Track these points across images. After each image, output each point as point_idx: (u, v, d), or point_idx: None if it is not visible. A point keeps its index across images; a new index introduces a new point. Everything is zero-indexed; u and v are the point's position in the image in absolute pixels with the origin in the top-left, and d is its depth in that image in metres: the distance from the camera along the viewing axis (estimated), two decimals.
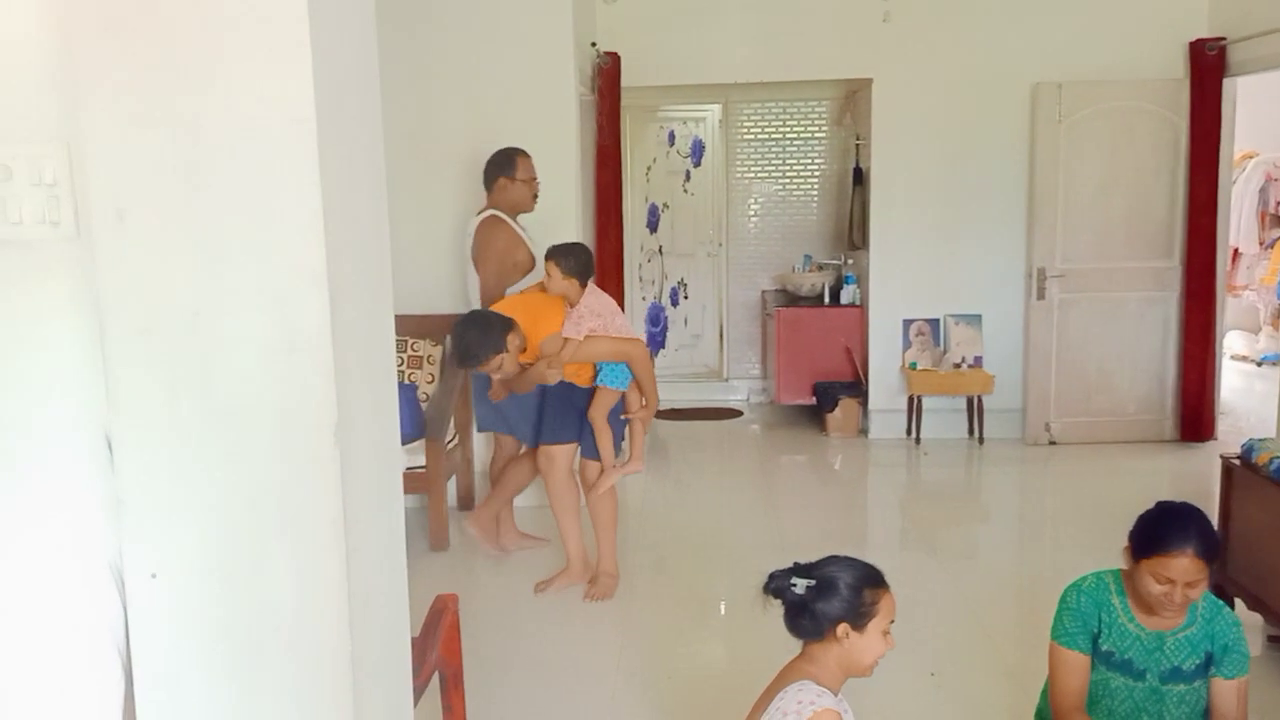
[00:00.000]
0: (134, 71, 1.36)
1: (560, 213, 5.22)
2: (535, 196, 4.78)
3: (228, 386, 1.39)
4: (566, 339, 3.98)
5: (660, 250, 7.84)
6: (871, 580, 2.15)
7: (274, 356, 1.40)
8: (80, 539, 1.49)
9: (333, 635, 1.43)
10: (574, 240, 4.43)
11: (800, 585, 2.10)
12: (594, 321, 4.00)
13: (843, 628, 2.10)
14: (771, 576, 2.16)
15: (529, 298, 4.17)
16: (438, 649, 2.29)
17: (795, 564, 2.17)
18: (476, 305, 4.61)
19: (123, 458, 1.40)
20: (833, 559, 2.18)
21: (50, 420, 1.49)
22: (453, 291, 5.25)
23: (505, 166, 4.69)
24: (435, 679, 2.54)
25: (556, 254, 4.02)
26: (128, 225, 1.38)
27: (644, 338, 7.68)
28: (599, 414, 4.11)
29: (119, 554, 1.45)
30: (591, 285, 4.08)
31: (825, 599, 2.10)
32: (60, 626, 1.49)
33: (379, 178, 1.68)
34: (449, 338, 3.95)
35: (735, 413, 7.55)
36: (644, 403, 4.19)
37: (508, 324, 3.93)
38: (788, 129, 7.75)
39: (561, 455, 4.17)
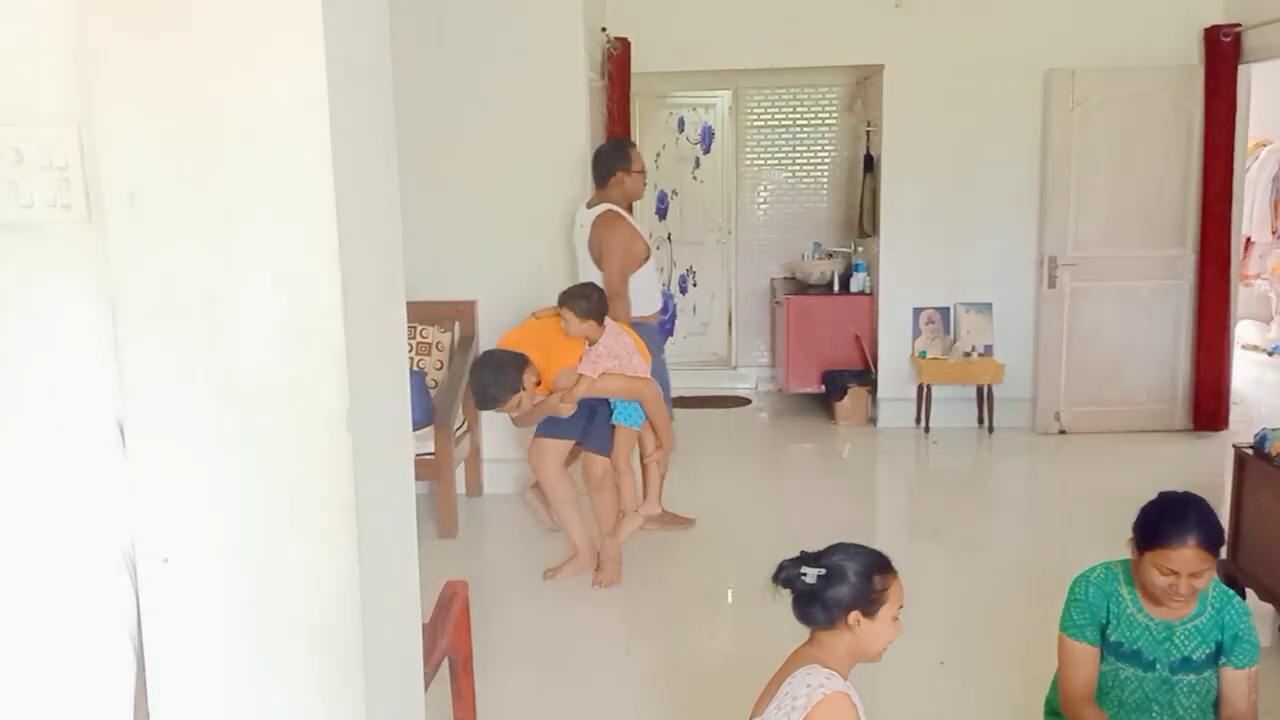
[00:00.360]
0: (146, 53, 1.35)
1: (569, 200, 5.20)
2: (644, 185, 4.81)
3: (240, 370, 1.39)
4: (581, 375, 3.99)
5: (669, 238, 7.82)
6: (880, 567, 2.15)
7: (286, 341, 1.39)
8: (91, 524, 1.48)
9: (344, 621, 1.43)
10: (584, 282, 4.44)
11: (811, 575, 2.09)
12: (610, 362, 4.04)
13: (854, 615, 2.09)
14: (781, 566, 2.14)
15: (540, 329, 4.16)
16: (448, 635, 2.29)
17: (802, 553, 2.16)
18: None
19: (134, 442, 1.40)
20: (839, 546, 2.17)
21: (61, 404, 1.49)
22: (460, 278, 5.24)
23: (621, 160, 4.67)
24: (445, 665, 2.54)
25: (570, 298, 4.04)
26: (139, 208, 1.37)
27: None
28: (620, 457, 4.15)
29: (131, 539, 1.44)
30: (611, 325, 4.09)
31: (836, 588, 2.09)
32: (72, 612, 1.49)
33: (391, 162, 1.67)
34: (467, 378, 3.98)
35: (744, 401, 7.54)
36: (658, 443, 4.21)
37: (522, 362, 3.92)
38: (798, 115, 7.72)
39: (552, 449, 4.19)
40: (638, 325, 4.68)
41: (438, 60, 5.09)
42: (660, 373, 4.62)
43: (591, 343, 4.03)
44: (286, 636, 1.43)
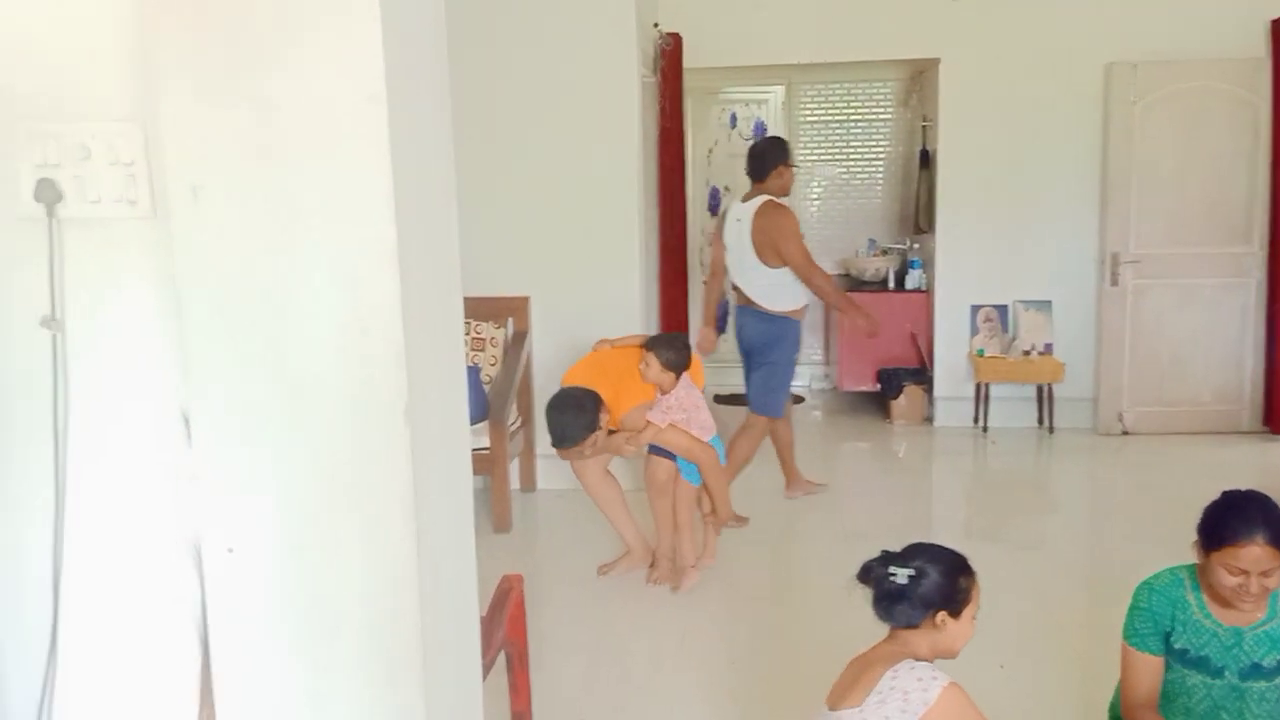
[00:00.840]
0: (208, 51, 1.37)
1: (622, 196, 5.20)
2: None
3: (300, 365, 1.40)
4: (650, 423, 3.99)
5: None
6: (963, 568, 2.18)
7: (346, 335, 1.40)
8: (158, 513, 1.51)
9: (403, 612, 1.44)
10: (673, 334, 4.60)
11: (901, 575, 2.11)
12: (679, 415, 4.03)
13: (941, 615, 2.12)
14: (867, 566, 2.17)
15: (609, 362, 4.17)
16: (504, 628, 2.30)
17: (884, 552, 2.18)
18: (769, 297, 4.84)
19: (199, 434, 1.42)
20: (920, 547, 2.19)
21: (129, 396, 1.51)
22: (514, 274, 5.24)
23: (783, 154, 4.89)
24: (501, 658, 2.55)
25: (658, 346, 4.04)
26: (202, 204, 1.39)
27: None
28: (682, 511, 4.13)
29: (196, 529, 1.47)
30: (685, 378, 4.08)
31: (924, 587, 2.11)
32: (140, 599, 1.52)
33: (448, 158, 1.68)
34: (547, 418, 4.06)
35: (797, 399, 7.48)
36: (713, 508, 4.22)
37: (597, 401, 3.94)
38: (852, 111, 7.64)
39: (593, 458, 4.18)
40: (783, 320, 4.82)
41: (492, 57, 5.10)
42: (781, 371, 4.93)
43: (664, 393, 4.02)
44: (347, 625, 1.44)
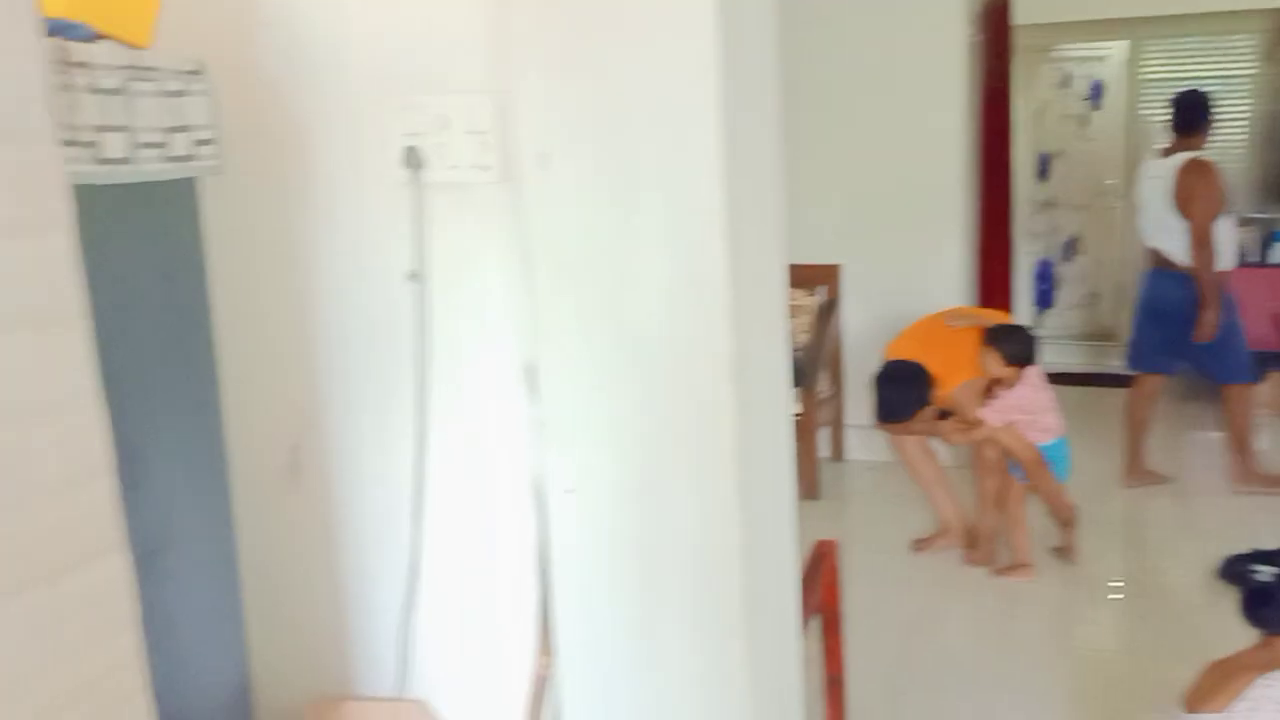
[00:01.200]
0: (556, 26, 1.46)
1: (945, 163, 5.02)
2: None
3: (635, 322, 1.47)
4: (983, 421, 3.83)
5: (1049, 201, 7.31)
6: None
7: (676, 294, 1.46)
8: (502, 455, 1.64)
9: (727, 562, 1.48)
10: (1014, 323, 4.24)
11: (1265, 573, 1.93)
12: (1018, 417, 3.82)
13: None
14: (1229, 561, 2.01)
15: (935, 336, 4.04)
16: (818, 592, 2.31)
17: (1254, 550, 2.00)
18: (1179, 253, 4.58)
19: (546, 382, 1.52)
20: None
21: (479, 346, 1.65)
22: (825, 242, 5.16)
23: (1211, 110, 4.70)
24: (814, 624, 2.55)
25: (999, 340, 3.83)
26: (549, 170, 1.48)
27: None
28: (1015, 507, 3.94)
29: (537, 471, 1.58)
30: (1033, 377, 3.85)
31: None
32: (486, 533, 1.66)
33: (775, 124, 1.70)
34: (873, 390, 4.01)
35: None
36: (1051, 509, 4.02)
37: (927, 378, 3.84)
38: (1207, 67, 6.90)
39: (905, 434, 4.08)
40: None
41: (815, 19, 5.01)
42: (1235, 333, 4.60)
43: (1007, 388, 3.83)
44: (675, 570, 1.51)
